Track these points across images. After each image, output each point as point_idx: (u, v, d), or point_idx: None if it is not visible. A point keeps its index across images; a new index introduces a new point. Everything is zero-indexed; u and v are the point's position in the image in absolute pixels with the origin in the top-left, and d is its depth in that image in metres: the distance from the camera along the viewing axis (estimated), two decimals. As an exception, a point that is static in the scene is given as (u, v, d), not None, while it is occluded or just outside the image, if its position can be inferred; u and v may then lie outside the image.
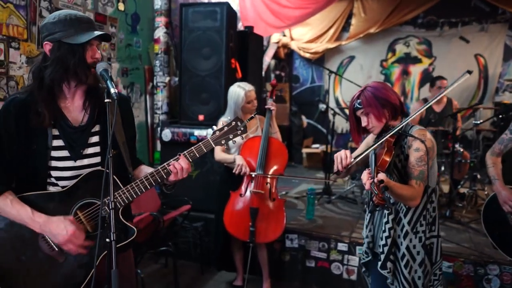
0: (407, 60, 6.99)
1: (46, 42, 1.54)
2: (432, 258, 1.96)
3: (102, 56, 1.65)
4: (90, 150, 1.66)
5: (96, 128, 1.68)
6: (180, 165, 1.64)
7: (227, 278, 3.54)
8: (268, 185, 3.03)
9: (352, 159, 1.91)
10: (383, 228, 1.98)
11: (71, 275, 1.57)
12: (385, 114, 1.93)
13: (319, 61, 7.37)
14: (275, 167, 3.09)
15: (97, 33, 1.56)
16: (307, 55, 7.39)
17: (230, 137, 1.75)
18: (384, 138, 1.87)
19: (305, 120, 7.68)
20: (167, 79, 4.29)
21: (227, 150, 3.17)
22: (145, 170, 1.84)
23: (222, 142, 1.74)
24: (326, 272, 3.46)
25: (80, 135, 1.64)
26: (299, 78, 7.83)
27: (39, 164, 1.58)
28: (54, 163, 1.60)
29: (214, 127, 1.82)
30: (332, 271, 3.43)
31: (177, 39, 4.21)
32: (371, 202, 1.69)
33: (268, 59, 7.13)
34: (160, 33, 4.20)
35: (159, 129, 4.14)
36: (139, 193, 1.65)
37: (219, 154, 3.13)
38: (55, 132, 1.60)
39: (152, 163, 4.40)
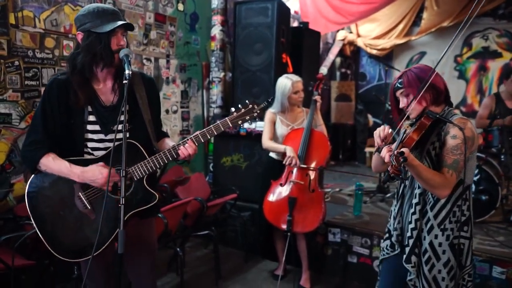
0: (485, 54, 6.45)
1: (78, 32, 1.77)
2: (462, 261, 1.83)
3: (127, 43, 1.84)
4: (120, 126, 1.87)
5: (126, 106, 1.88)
6: (187, 150, 1.80)
7: (270, 267, 3.62)
8: (308, 176, 3.06)
9: (391, 131, 1.80)
10: (410, 220, 1.90)
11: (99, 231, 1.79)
12: (425, 97, 1.81)
13: (387, 57, 7.12)
14: (315, 159, 3.10)
15: (119, 23, 1.76)
16: (374, 52, 7.18)
17: (246, 118, 1.86)
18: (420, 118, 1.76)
19: (371, 119, 7.46)
20: (222, 74, 4.49)
21: (275, 140, 3.23)
22: (166, 142, 2.01)
23: (239, 122, 1.85)
24: (368, 268, 3.37)
25: (110, 113, 1.85)
26: (366, 76, 7.62)
27: (77, 136, 1.82)
28: (89, 135, 1.83)
29: (233, 109, 1.93)
30: (374, 268, 3.33)
31: (232, 36, 4.39)
32: (386, 173, 1.65)
33: (332, 56, 7.06)
34: (216, 30, 4.41)
35: (213, 121, 4.35)
36: (158, 166, 1.82)
37: (268, 142, 3.19)
38: (90, 109, 1.83)
39: (207, 154, 4.63)
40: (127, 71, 1.64)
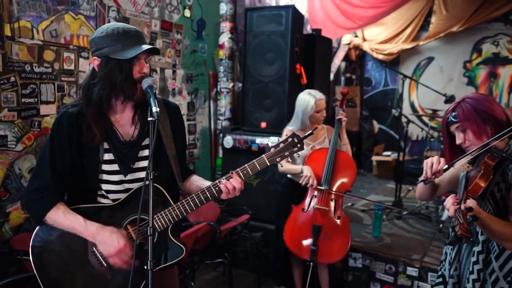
0: (496, 61, 6.28)
1: (94, 58, 1.52)
2: None
3: (150, 70, 1.58)
4: (141, 164, 1.63)
5: (147, 141, 1.64)
6: (231, 184, 1.55)
7: (285, 294, 3.39)
8: (333, 201, 2.82)
9: (446, 166, 1.63)
10: (471, 269, 1.67)
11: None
12: (486, 131, 1.62)
13: (394, 62, 6.92)
14: (341, 183, 2.87)
15: (145, 47, 1.50)
16: (381, 57, 6.97)
17: (286, 155, 1.64)
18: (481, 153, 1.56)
19: (376, 125, 7.26)
20: (231, 85, 4.23)
21: (293, 161, 3.00)
22: (196, 181, 1.78)
23: (277, 160, 1.63)
24: (393, 297, 3.16)
25: (130, 150, 1.61)
26: (371, 81, 7.42)
27: (90, 177, 1.57)
28: (105, 177, 1.58)
29: (270, 144, 1.71)
30: (400, 297, 3.12)
31: (241, 44, 4.13)
32: (452, 233, 1.43)
33: (338, 61, 6.84)
34: (224, 38, 4.15)
35: (221, 135, 4.10)
36: (189, 211, 1.58)
37: (284, 164, 2.97)
38: (106, 146, 1.58)
39: (214, 169, 4.38)
40: (154, 109, 1.39)
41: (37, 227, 1.54)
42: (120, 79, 1.48)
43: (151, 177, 1.36)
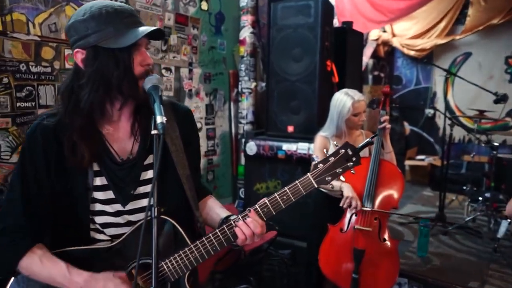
0: (542, 55, 5.70)
1: (76, 50, 1.11)
2: None
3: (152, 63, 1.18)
4: (144, 189, 1.23)
5: (150, 159, 1.24)
6: (249, 229, 1.15)
7: (318, 323, 2.95)
8: (377, 220, 2.38)
9: None
10: None
11: None
12: None
13: (426, 59, 6.40)
14: (387, 199, 2.42)
15: (146, 29, 1.10)
16: (412, 53, 6.47)
17: (338, 172, 1.22)
18: None
19: (408, 127, 6.75)
20: (253, 84, 3.83)
21: None
22: (212, 210, 1.38)
23: (328, 179, 1.22)
24: (447, 331, 2.69)
25: (129, 172, 1.21)
26: (402, 79, 6.91)
27: (79, 209, 1.17)
28: (98, 207, 1.19)
29: (315, 158, 1.30)
30: (456, 331, 2.65)
31: (264, 39, 3.72)
32: None
33: (365, 58, 6.36)
34: (246, 33, 3.75)
35: (243, 140, 3.69)
36: (206, 256, 1.17)
37: None
38: (96, 167, 1.18)
39: (235, 177, 3.98)
40: (159, 119, 1.00)
41: (12, 279, 1.16)
42: (116, 76, 1.09)
43: (155, 214, 0.96)
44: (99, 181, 1.18)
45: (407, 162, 6.17)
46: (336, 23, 4.92)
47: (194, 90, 3.53)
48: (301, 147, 3.32)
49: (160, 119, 1.00)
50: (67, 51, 2.57)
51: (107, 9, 1.08)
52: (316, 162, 1.25)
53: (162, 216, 1.18)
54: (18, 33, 2.31)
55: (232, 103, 3.95)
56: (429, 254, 3.19)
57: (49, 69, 2.48)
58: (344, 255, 2.39)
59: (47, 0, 2.43)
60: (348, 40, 3.93)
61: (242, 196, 3.83)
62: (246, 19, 3.74)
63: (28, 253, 1.11)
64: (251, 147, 3.52)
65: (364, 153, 2.60)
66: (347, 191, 2.35)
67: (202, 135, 3.65)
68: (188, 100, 3.47)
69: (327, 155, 1.27)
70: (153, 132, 1.01)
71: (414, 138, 6.71)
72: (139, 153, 1.22)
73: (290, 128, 3.46)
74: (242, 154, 3.75)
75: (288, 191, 1.19)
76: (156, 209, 0.98)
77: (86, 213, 1.18)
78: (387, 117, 2.54)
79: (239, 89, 3.88)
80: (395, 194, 2.44)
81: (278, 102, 3.52)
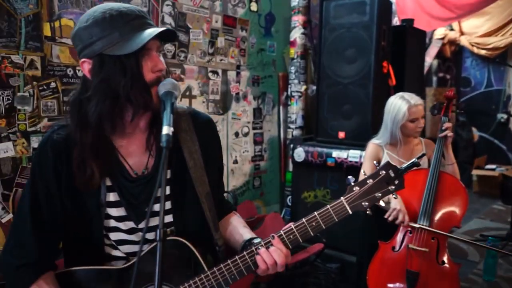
0: None
1: (82, 60, 1.03)
2: None
3: (166, 68, 1.08)
4: (159, 207, 1.13)
5: (167, 174, 1.14)
6: (272, 258, 1.02)
7: None
8: (435, 240, 2.12)
9: None
10: None
11: None
12: None
13: (499, 59, 5.83)
14: (447, 217, 2.16)
15: (154, 31, 1.00)
16: (483, 52, 5.93)
17: (377, 196, 1.08)
18: None
19: (476, 133, 6.19)
20: (303, 87, 3.67)
21: None
22: (236, 227, 1.26)
23: (364, 205, 1.08)
24: None
25: (144, 188, 1.12)
26: (470, 81, 6.37)
27: (92, 225, 1.10)
28: (112, 223, 1.12)
29: (350, 179, 1.15)
30: None
31: (316, 40, 3.55)
32: None
33: (429, 59, 5.93)
34: (296, 34, 3.60)
35: (291, 146, 3.54)
36: (224, 286, 1.06)
37: None
38: (109, 182, 1.10)
39: (283, 184, 3.83)
40: (165, 129, 0.89)
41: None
42: (124, 84, 0.99)
43: (160, 236, 0.86)
44: (112, 197, 1.10)
45: (475, 172, 5.65)
46: (396, 21, 4.62)
47: (242, 93, 3.44)
48: (352, 155, 3.11)
49: (165, 130, 0.89)
50: (114, 55, 2.58)
51: (111, 12, 0.99)
52: (352, 184, 1.09)
53: (178, 239, 1.08)
54: (66, 38, 2.35)
55: (281, 107, 3.82)
56: (497, 279, 2.84)
57: (95, 74, 2.50)
58: (395, 277, 2.16)
59: (94, 5, 2.45)
60: (408, 39, 3.63)
61: (290, 204, 3.67)
62: (297, 19, 3.59)
63: (36, 283, 1.06)
64: (299, 154, 3.36)
65: (422, 164, 2.35)
66: (395, 202, 2.12)
67: (249, 139, 3.55)
68: (235, 104, 3.39)
69: (377, 166, 1.12)
70: (162, 143, 0.91)
71: (483, 145, 6.15)
72: (154, 168, 1.13)
73: (341, 134, 3.25)
74: (290, 160, 3.61)
75: (318, 217, 1.06)
76: (162, 231, 0.86)
77: (99, 229, 1.10)
78: (449, 125, 2.27)
79: (289, 93, 3.74)
80: (456, 211, 2.16)
81: (329, 106, 3.34)
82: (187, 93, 3.01)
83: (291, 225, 1.07)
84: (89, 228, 1.10)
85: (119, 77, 0.99)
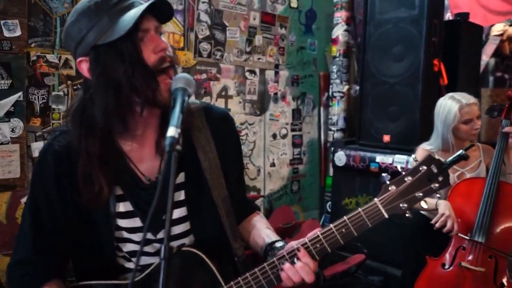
0: None
1: (79, 59, 0.94)
2: None
3: (172, 49, 0.99)
4: (175, 214, 1.03)
5: (180, 178, 1.04)
6: (298, 274, 0.91)
7: None
8: (493, 259, 1.88)
9: None
10: None
11: None
12: None
13: None
14: (507, 234, 1.92)
15: (142, 4, 0.91)
16: (548, 49, 5.42)
17: (418, 196, 0.95)
18: None
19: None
20: (346, 87, 3.47)
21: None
22: (258, 228, 1.15)
23: (403, 207, 0.94)
24: None
25: (160, 195, 1.01)
26: (532, 81, 5.85)
27: (102, 237, 1.02)
28: (125, 234, 1.02)
29: (385, 176, 1.02)
30: None
31: (360, 37, 3.35)
32: None
33: (485, 57, 5.50)
34: (339, 31, 3.42)
35: (332, 149, 3.36)
36: None
37: None
38: (119, 191, 1.01)
39: (323, 189, 3.65)
40: (170, 131, 0.78)
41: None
42: (124, 71, 0.89)
43: (165, 254, 0.74)
44: (122, 207, 1.01)
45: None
46: (449, 16, 4.31)
47: (280, 93, 3.31)
48: (398, 160, 2.88)
49: (171, 131, 0.77)
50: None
51: (95, 0, 0.91)
52: (387, 182, 0.95)
53: (193, 250, 0.97)
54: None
55: (321, 108, 3.65)
56: None
57: (129, 73, 2.46)
58: (445, 298, 1.94)
59: (129, 3, 2.42)
60: (462, 35, 3.35)
61: (329, 211, 3.49)
62: (340, 16, 3.40)
63: None
64: (340, 157, 3.17)
65: (480, 172, 2.11)
66: (444, 208, 1.89)
67: (287, 142, 3.41)
68: (273, 105, 3.27)
69: (416, 161, 0.99)
70: (168, 149, 0.79)
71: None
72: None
73: (386, 138, 3.03)
74: (331, 164, 3.43)
75: (348, 222, 0.93)
76: (167, 248, 0.75)
77: (110, 242, 1.01)
78: (511, 128, 2.01)
79: (330, 93, 3.56)
80: (519, 228, 1.91)
81: (373, 107, 3.13)
82: (223, 93, 2.92)
83: (317, 231, 0.94)
84: (99, 240, 1.01)
85: (118, 65, 0.88)
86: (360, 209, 0.94)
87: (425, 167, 0.94)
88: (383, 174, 1.03)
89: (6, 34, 2.00)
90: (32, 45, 2.10)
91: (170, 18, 1.00)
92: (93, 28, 0.89)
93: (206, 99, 2.82)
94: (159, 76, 0.92)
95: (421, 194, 0.94)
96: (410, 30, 2.92)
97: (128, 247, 1.02)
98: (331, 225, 0.94)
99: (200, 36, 2.73)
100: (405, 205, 0.93)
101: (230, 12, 2.88)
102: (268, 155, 3.27)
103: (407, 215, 0.96)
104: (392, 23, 2.99)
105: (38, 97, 2.16)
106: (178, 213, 1.03)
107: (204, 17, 2.74)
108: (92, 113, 0.94)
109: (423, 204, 1.03)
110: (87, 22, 0.89)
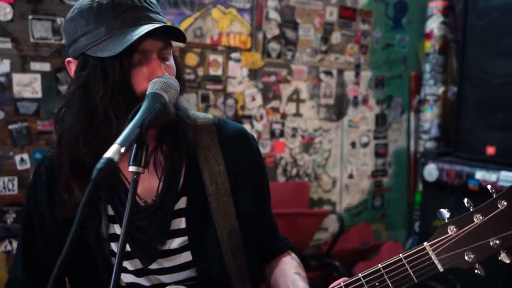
0: None
1: (68, 60, 0.85)
2: None
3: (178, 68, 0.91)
4: (174, 243, 0.89)
5: (182, 203, 0.89)
6: None
7: None
8: None
9: None
10: None
11: None
12: None
13: None
14: None
15: (149, 27, 0.75)
16: None
17: (494, 245, 0.72)
18: None
19: None
20: (441, 89, 2.98)
21: None
22: (284, 273, 0.95)
23: (469, 259, 0.72)
24: None
25: (152, 220, 0.91)
26: None
27: (97, 265, 0.90)
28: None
29: (446, 214, 0.76)
30: None
31: (460, 30, 2.84)
32: None
33: None
34: (434, 24, 2.94)
35: (422, 161, 2.91)
36: None
37: None
38: (111, 211, 0.89)
39: (411, 205, 3.19)
40: (109, 151, 0.61)
41: None
42: (103, 94, 0.76)
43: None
44: (117, 229, 0.88)
45: None
46: None
47: (361, 97, 2.96)
48: (505, 178, 2.36)
49: (111, 151, 0.58)
50: (212, 56, 2.42)
51: (101, 0, 0.77)
52: (446, 221, 0.73)
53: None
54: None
55: (412, 114, 3.19)
56: None
57: (192, 76, 2.38)
58: None
59: (193, 4, 2.33)
60: None
61: (417, 232, 3.02)
62: (435, 6, 2.92)
63: None
64: (431, 171, 2.71)
65: None
66: None
67: (369, 151, 3.03)
68: (352, 109, 2.93)
69: (492, 192, 0.74)
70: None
71: None
72: (162, 195, 0.87)
73: (490, 150, 2.51)
74: (420, 179, 2.97)
75: (383, 271, 0.71)
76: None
77: (103, 269, 0.89)
78: None
79: (422, 96, 3.09)
80: None
81: (474, 113, 2.63)
82: (294, 97, 2.68)
83: (341, 282, 0.74)
84: (94, 267, 0.89)
85: (99, 84, 0.76)
86: (401, 256, 0.70)
87: (506, 203, 0.69)
88: (441, 210, 0.75)
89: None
90: None
91: (182, 39, 0.85)
92: (87, 34, 0.78)
93: (275, 103, 2.62)
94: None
95: (497, 242, 0.69)
96: (524, 18, 2.37)
97: (125, 277, 0.90)
98: (360, 275, 0.72)
99: (269, 36, 2.55)
100: (473, 255, 0.69)
101: (303, 8, 2.64)
102: (345, 166, 2.95)
103: (476, 271, 0.70)
104: (500, 11, 2.49)
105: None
106: (178, 242, 0.88)
107: (273, 14, 2.54)
108: (64, 123, 0.84)
109: (504, 257, 0.72)
110: (83, 26, 0.79)
